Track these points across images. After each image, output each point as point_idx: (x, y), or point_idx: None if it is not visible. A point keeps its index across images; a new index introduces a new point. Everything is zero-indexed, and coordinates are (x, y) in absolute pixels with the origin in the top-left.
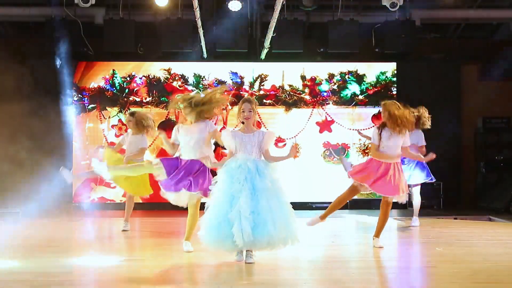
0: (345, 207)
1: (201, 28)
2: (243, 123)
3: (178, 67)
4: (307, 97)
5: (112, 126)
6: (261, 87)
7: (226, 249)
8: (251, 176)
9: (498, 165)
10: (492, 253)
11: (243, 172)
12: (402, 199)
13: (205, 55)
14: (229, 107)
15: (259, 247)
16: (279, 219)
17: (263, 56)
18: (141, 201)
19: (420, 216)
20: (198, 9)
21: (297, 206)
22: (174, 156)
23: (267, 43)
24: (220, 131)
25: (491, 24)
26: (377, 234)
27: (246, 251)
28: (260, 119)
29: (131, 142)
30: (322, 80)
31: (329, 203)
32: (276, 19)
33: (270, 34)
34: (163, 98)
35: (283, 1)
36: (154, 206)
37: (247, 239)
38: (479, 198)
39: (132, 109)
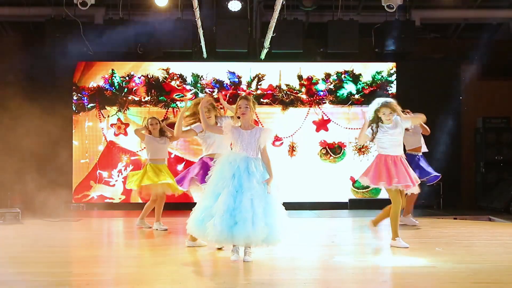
0: (345, 207)
1: (201, 28)
2: (239, 118)
3: (177, 67)
4: (304, 97)
5: (111, 125)
6: (259, 86)
7: (209, 240)
8: (239, 174)
9: (498, 165)
10: (492, 253)
11: (231, 169)
12: (415, 189)
13: (205, 55)
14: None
15: (236, 242)
16: (260, 219)
17: (263, 56)
18: (140, 201)
19: (420, 216)
20: (198, 9)
21: (293, 205)
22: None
23: (267, 43)
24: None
25: (491, 24)
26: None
27: (244, 249)
28: (258, 118)
29: (159, 147)
30: (319, 79)
31: (326, 202)
32: (276, 19)
33: (270, 34)
34: (161, 98)
35: (283, 1)
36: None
37: (220, 236)
38: (479, 198)
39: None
